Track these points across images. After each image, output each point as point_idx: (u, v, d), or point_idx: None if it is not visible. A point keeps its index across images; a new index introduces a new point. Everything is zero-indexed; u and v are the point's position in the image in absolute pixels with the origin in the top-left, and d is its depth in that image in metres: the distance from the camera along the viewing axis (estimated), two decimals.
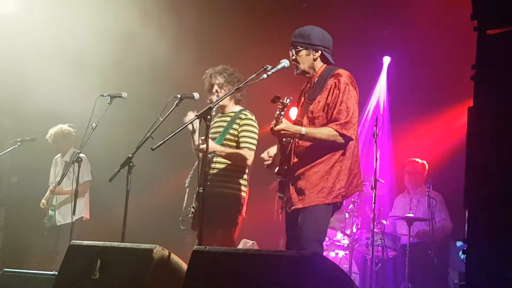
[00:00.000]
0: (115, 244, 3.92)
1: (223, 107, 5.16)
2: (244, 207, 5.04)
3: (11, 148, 7.16)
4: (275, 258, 3.12)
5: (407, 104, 7.70)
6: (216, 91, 5.02)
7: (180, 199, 6.09)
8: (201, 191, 4.76)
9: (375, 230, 6.39)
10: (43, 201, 7.26)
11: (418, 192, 7.07)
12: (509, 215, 2.07)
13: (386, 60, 8.14)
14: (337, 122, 3.96)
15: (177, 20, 7.79)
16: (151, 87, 7.91)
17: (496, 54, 2.14)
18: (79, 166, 5.82)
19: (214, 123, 5.13)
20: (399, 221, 7.01)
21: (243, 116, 5.02)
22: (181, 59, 7.86)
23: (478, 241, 2.13)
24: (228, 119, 5.07)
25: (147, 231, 7.39)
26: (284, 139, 4.11)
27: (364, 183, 5.78)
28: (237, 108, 5.14)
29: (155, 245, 3.58)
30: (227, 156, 4.93)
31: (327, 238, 6.33)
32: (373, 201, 6.26)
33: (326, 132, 3.96)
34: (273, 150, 4.35)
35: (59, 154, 7.44)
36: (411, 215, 6.75)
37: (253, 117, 5.07)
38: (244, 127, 4.98)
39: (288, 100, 3.87)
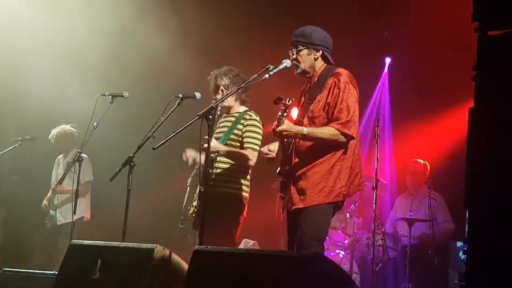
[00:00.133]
0: (116, 243, 3.92)
1: (228, 108, 5.17)
2: (246, 208, 5.04)
3: (12, 147, 7.17)
4: (276, 258, 3.12)
5: (408, 105, 7.69)
6: (222, 91, 5.03)
7: (182, 199, 6.10)
8: (202, 190, 4.79)
9: (375, 230, 6.41)
10: (45, 202, 7.27)
11: (419, 193, 7.06)
12: (509, 215, 2.07)
13: (387, 61, 8.14)
14: (339, 121, 3.97)
15: (178, 18, 7.77)
16: (153, 87, 7.90)
17: (497, 55, 2.14)
18: (79, 166, 5.82)
19: (220, 123, 5.14)
20: (400, 221, 7.00)
21: (247, 117, 5.04)
22: (183, 58, 7.86)
23: (478, 241, 2.13)
24: (233, 119, 5.09)
25: (148, 231, 7.39)
26: (285, 140, 4.12)
27: (365, 183, 5.80)
28: (242, 108, 5.15)
29: (156, 244, 3.58)
30: (230, 156, 4.94)
31: (328, 238, 6.34)
32: (374, 202, 6.27)
33: (328, 131, 3.97)
34: (274, 145, 4.35)
35: (62, 155, 7.44)
36: (412, 215, 6.74)
37: (258, 118, 5.08)
38: (248, 128, 4.99)
39: (290, 102, 3.89)
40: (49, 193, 7.26)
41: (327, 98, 4.07)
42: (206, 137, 4.70)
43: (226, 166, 5.00)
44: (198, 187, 5.69)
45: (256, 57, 6.79)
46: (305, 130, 3.96)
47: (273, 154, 4.27)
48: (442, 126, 7.46)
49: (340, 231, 6.93)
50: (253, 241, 6.88)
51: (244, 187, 5.03)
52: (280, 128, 3.90)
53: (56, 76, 7.82)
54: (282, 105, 3.88)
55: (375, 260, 6.28)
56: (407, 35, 7.38)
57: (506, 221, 2.07)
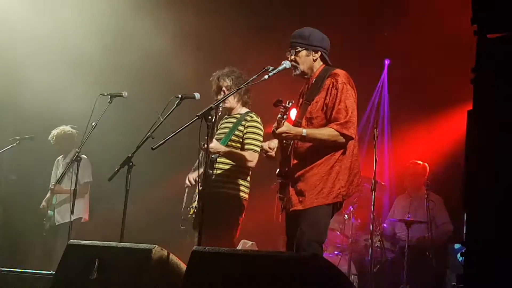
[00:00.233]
0: (114, 244, 3.91)
1: (230, 109, 5.18)
2: (245, 209, 5.05)
3: (10, 147, 7.16)
4: (274, 259, 3.12)
5: (407, 106, 7.69)
6: (224, 92, 5.04)
7: (180, 199, 6.09)
8: (202, 190, 4.80)
9: (374, 232, 6.41)
10: (44, 203, 7.26)
11: (419, 195, 7.05)
12: (508, 217, 2.08)
13: (386, 62, 8.14)
14: (337, 122, 3.97)
15: (176, 18, 7.77)
16: (152, 87, 7.90)
17: (495, 58, 2.15)
18: (78, 166, 5.81)
19: (221, 124, 5.16)
20: (398, 223, 7.00)
21: (248, 118, 5.05)
22: (181, 58, 7.86)
23: (477, 243, 2.14)
24: (234, 120, 5.10)
25: (146, 231, 7.38)
26: (284, 141, 4.12)
27: (363, 184, 5.80)
28: (244, 110, 5.17)
29: (154, 245, 3.57)
30: (231, 157, 4.94)
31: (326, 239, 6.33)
32: (372, 203, 6.27)
33: (327, 132, 3.98)
34: (274, 143, 4.36)
35: (61, 156, 7.44)
36: (410, 217, 6.74)
37: (259, 119, 5.09)
38: (249, 129, 5.01)
39: (290, 104, 3.90)
40: (48, 194, 7.26)
41: (325, 99, 4.08)
42: (207, 137, 4.72)
43: (227, 167, 5.00)
44: (197, 187, 5.69)
45: (255, 57, 6.78)
46: (304, 131, 3.97)
47: (273, 153, 4.27)
48: (441, 128, 7.47)
49: (338, 232, 6.94)
50: (251, 242, 6.87)
51: (244, 188, 5.04)
52: (279, 130, 3.91)
53: (54, 76, 7.81)
54: (282, 107, 3.89)
55: (373, 261, 6.29)
56: (406, 36, 7.38)
57: (505, 223, 2.07)
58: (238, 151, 4.98)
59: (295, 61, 4.23)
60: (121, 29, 7.79)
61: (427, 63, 7.30)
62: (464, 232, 2.16)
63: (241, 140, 5.01)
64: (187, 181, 5.20)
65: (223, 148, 4.89)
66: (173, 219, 5.84)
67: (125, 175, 4.65)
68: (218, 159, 5.00)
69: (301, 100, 4.31)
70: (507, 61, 2.12)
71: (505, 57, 2.12)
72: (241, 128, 5.02)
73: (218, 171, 5.00)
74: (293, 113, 4.41)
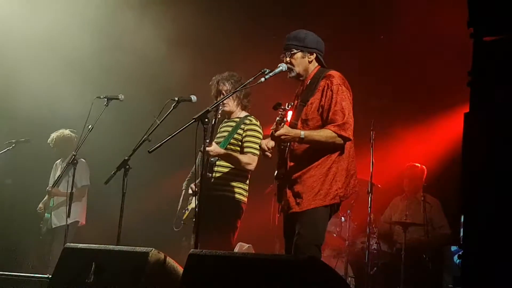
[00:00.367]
0: (110, 247, 3.91)
1: (229, 113, 5.20)
2: (244, 212, 5.06)
3: (5, 150, 7.14)
4: (271, 262, 3.12)
5: (403, 109, 7.70)
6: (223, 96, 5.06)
7: (177, 202, 6.08)
8: (203, 193, 4.81)
9: (370, 234, 6.42)
10: (41, 205, 7.25)
11: (416, 197, 7.05)
12: (505, 220, 2.08)
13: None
14: (335, 124, 3.98)
15: (173, 21, 7.77)
16: (149, 90, 7.89)
17: (492, 61, 2.15)
18: (74, 169, 5.80)
19: (220, 128, 5.17)
20: (395, 225, 7.00)
21: (247, 122, 5.07)
22: (178, 60, 7.85)
23: (474, 246, 2.14)
24: (233, 124, 5.12)
25: (143, 234, 7.37)
26: (282, 144, 4.13)
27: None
28: (243, 113, 5.20)
29: (151, 248, 3.57)
30: (230, 160, 4.96)
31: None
32: (369, 205, 6.28)
33: (325, 134, 3.99)
34: (272, 143, 4.36)
35: (60, 159, 7.43)
36: (407, 219, 6.74)
37: (258, 123, 5.12)
38: (249, 132, 5.03)
39: (289, 106, 3.92)
40: (46, 197, 7.25)
41: (320, 100, 4.09)
42: (207, 140, 4.74)
43: (226, 170, 5.02)
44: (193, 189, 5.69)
45: (252, 60, 6.78)
46: (302, 133, 3.97)
47: (269, 154, 4.28)
48: (438, 130, 7.47)
49: (335, 235, 6.93)
50: (248, 245, 6.87)
51: (243, 191, 5.05)
52: (278, 132, 3.92)
53: (50, 79, 7.80)
54: (281, 110, 3.90)
55: (370, 264, 6.29)
56: (402, 39, 7.39)
57: (502, 226, 2.07)
58: (237, 154, 4.99)
59: (291, 63, 4.24)
60: (117, 31, 7.79)
61: (424, 66, 7.31)
62: (461, 234, 2.16)
63: (240, 143, 5.03)
64: (190, 190, 5.23)
65: (222, 151, 4.91)
66: (170, 222, 5.83)
67: (121, 178, 4.63)
68: (217, 162, 5.01)
69: (296, 101, 4.32)
70: (503, 64, 2.12)
71: (502, 60, 2.13)
72: (240, 131, 5.04)
73: (217, 174, 5.01)
74: (289, 115, 4.42)
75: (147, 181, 7.92)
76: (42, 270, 5.75)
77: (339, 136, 3.98)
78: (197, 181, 4.96)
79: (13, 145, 7.12)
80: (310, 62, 4.25)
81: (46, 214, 7.17)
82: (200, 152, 5.05)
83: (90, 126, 5.53)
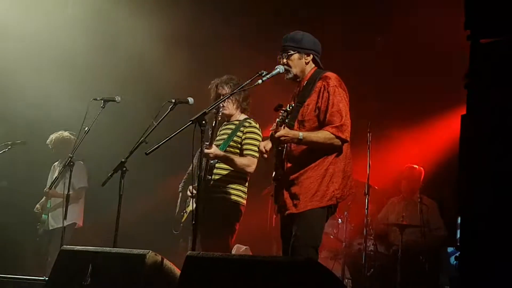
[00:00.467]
0: (107, 249, 3.90)
1: (229, 116, 5.22)
2: (242, 214, 5.07)
3: (1, 152, 7.12)
4: (269, 264, 3.12)
5: (400, 111, 7.70)
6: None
7: (174, 204, 6.06)
8: (201, 196, 4.82)
9: (367, 236, 6.42)
10: (38, 206, 7.25)
11: (414, 199, 7.04)
12: (501, 221, 2.08)
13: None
14: (333, 125, 3.99)
15: (169, 22, 7.77)
16: (145, 91, 7.89)
17: (489, 63, 2.15)
18: (70, 170, 5.80)
19: (220, 130, 5.19)
20: (392, 227, 7.01)
21: (247, 124, 5.09)
22: (175, 62, 7.85)
23: (471, 247, 2.14)
24: (233, 127, 5.14)
25: (140, 237, 7.35)
26: (280, 146, 4.12)
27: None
28: (242, 116, 5.21)
29: (148, 250, 3.56)
30: (230, 162, 4.97)
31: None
32: (366, 207, 6.28)
33: (323, 135, 3.99)
34: (270, 144, 4.37)
35: (58, 161, 7.42)
36: (404, 221, 6.75)
37: (257, 125, 5.13)
38: (248, 135, 5.04)
39: (290, 108, 3.92)
40: (43, 199, 7.24)
41: (317, 102, 4.09)
42: (207, 143, 4.76)
43: (225, 172, 5.03)
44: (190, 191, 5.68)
45: (248, 62, 6.79)
46: (300, 134, 3.98)
47: (266, 156, 4.28)
48: (435, 132, 7.48)
49: (332, 236, 6.94)
50: (245, 247, 6.87)
51: (242, 194, 5.07)
52: (278, 133, 3.92)
53: (46, 80, 7.78)
54: (282, 111, 3.90)
55: (366, 265, 6.30)
56: (399, 41, 7.40)
57: (499, 227, 2.08)
58: (237, 156, 5.00)
59: (287, 64, 4.24)
60: (113, 33, 7.78)
61: (421, 67, 7.32)
62: (458, 236, 2.16)
63: (239, 145, 5.04)
64: (188, 192, 5.24)
65: (222, 154, 4.91)
66: (167, 224, 5.82)
67: (118, 180, 4.63)
68: (217, 165, 5.03)
69: (293, 103, 4.32)
70: (500, 66, 2.13)
71: (498, 62, 2.13)
72: (239, 134, 5.06)
73: (217, 177, 5.03)
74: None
75: (144, 183, 7.91)
76: (38, 272, 5.74)
77: (337, 137, 3.99)
78: (196, 183, 4.97)
79: (9, 147, 7.10)
80: (307, 63, 4.26)
81: (43, 215, 7.17)
82: (197, 154, 5.06)
83: (86, 128, 5.52)
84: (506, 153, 2.09)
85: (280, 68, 4.22)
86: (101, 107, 5.46)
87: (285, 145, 4.14)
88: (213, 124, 4.85)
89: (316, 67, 4.29)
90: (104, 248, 3.93)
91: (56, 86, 7.80)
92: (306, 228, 4.00)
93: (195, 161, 4.73)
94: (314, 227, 4.04)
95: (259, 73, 4.18)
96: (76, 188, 7.10)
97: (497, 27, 2.15)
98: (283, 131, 3.93)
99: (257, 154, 4.95)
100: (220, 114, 4.93)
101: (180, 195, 6.19)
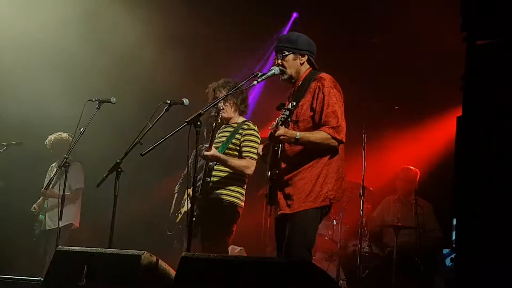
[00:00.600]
0: (102, 250, 3.90)
1: (227, 119, 5.24)
2: (240, 216, 5.08)
3: None
4: (264, 265, 3.12)
5: (395, 113, 7.71)
6: (221, 103, 5.08)
7: (169, 206, 6.06)
8: (199, 197, 4.84)
9: (362, 237, 6.43)
10: (35, 206, 7.24)
11: (409, 200, 7.06)
12: (497, 223, 2.09)
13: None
14: (329, 126, 3.99)
15: (165, 23, 7.77)
16: (140, 92, 7.87)
17: (485, 65, 2.16)
18: (66, 171, 5.79)
19: (219, 133, 5.21)
20: (387, 228, 7.02)
21: (245, 127, 5.11)
22: (170, 62, 7.84)
23: (466, 249, 2.14)
24: (232, 129, 5.16)
25: (135, 237, 7.35)
26: (275, 146, 4.12)
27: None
28: (241, 119, 5.24)
29: (143, 251, 3.56)
30: (229, 164, 4.98)
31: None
32: (361, 208, 6.29)
33: (320, 135, 4.00)
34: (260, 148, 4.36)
35: (56, 162, 7.40)
36: (399, 222, 6.76)
37: (256, 128, 5.16)
38: (247, 137, 5.06)
39: (292, 106, 3.92)
40: (40, 199, 7.23)
41: (312, 102, 4.10)
42: (207, 145, 4.77)
43: (224, 174, 5.05)
44: (186, 193, 5.69)
45: (245, 62, 6.80)
46: (298, 134, 3.98)
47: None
48: (431, 134, 7.50)
49: (327, 238, 6.94)
50: (239, 248, 6.87)
51: (240, 196, 5.09)
52: (279, 132, 3.91)
53: (40, 81, 7.76)
54: (283, 110, 3.90)
55: (361, 267, 6.30)
56: (395, 42, 7.42)
57: (495, 229, 2.08)
58: (236, 159, 5.02)
59: (282, 65, 4.24)
60: (109, 34, 7.76)
61: (416, 69, 7.34)
62: (453, 237, 2.17)
63: (238, 148, 5.07)
64: (186, 195, 5.26)
65: (221, 156, 4.92)
66: (162, 225, 5.81)
67: (113, 181, 4.62)
68: (216, 167, 5.05)
69: (293, 101, 4.32)
70: (496, 68, 2.13)
71: (494, 64, 2.14)
72: (238, 136, 5.08)
73: (215, 178, 5.04)
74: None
75: (139, 184, 7.90)
76: (34, 272, 5.73)
77: (334, 138, 4.00)
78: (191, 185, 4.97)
79: (5, 147, 7.09)
80: (301, 64, 4.26)
81: (40, 215, 7.17)
82: (192, 155, 5.06)
83: (82, 129, 5.51)
84: (501, 155, 2.09)
85: (275, 70, 4.22)
86: (96, 108, 5.46)
87: (280, 145, 4.14)
88: (213, 127, 4.88)
89: (311, 68, 4.30)
90: (100, 248, 3.92)
91: (50, 86, 7.78)
92: (300, 229, 4.00)
93: (190, 162, 4.73)
94: (308, 228, 4.04)
95: (254, 74, 4.19)
96: (73, 189, 7.12)
97: (493, 28, 2.16)
98: (282, 130, 3.92)
99: (255, 156, 4.98)
100: (220, 116, 4.96)
101: (176, 196, 6.20)
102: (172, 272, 3.56)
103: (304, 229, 4.03)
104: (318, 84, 4.11)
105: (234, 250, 6.82)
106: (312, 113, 4.09)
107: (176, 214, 6.01)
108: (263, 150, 4.49)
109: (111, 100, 5.48)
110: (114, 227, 4.53)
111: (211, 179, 5.00)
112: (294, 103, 3.96)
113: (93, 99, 5.48)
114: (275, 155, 4.14)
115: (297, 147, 4.09)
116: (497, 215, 2.08)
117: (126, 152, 4.67)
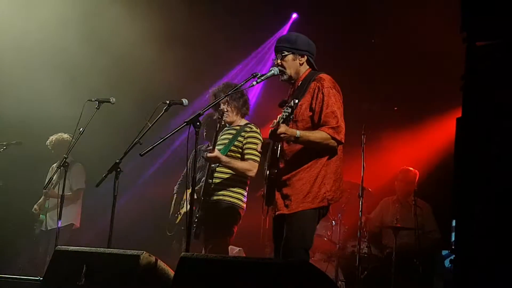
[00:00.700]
0: (101, 249, 3.89)
1: (230, 122, 5.25)
2: (241, 217, 5.09)
3: None
4: (263, 266, 3.12)
5: (395, 114, 7.72)
6: (222, 108, 5.12)
7: (168, 206, 6.06)
8: (202, 198, 4.85)
9: (361, 238, 6.42)
10: (36, 206, 7.24)
11: (408, 201, 7.05)
12: (496, 224, 2.09)
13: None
14: (329, 126, 3.98)
15: (163, 23, 7.77)
16: (139, 92, 7.87)
17: (484, 66, 2.16)
18: (65, 171, 5.79)
19: (221, 135, 5.22)
20: (386, 229, 7.02)
21: (248, 129, 5.12)
22: (170, 62, 7.84)
23: (466, 250, 2.14)
24: (234, 132, 5.17)
25: (134, 237, 7.35)
26: (274, 145, 4.12)
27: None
28: (243, 121, 5.25)
29: (142, 251, 3.55)
30: (231, 166, 4.98)
31: (313, 245, 6.32)
32: (360, 209, 6.28)
33: (320, 135, 3.99)
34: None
35: (57, 163, 7.40)
36: (398, 224, 6.75)
37: (258, 130, 5.17)
38: (249, 139, 5.07)
39: (294, 103, 3.90)
40: (41, 199, 7.23)
41: (311, 102, 4.09)
42: (210, 147, 4.77)
43: (226, 176, 5.07)
44: (185, 193, 5.69)
45: (243, 63, 6.79)
46: (298, 133, 3.96)
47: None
48: (430, 135, 7.49)
49: (326, 239, 6.94)
50: (238, 248, 6.86)
51: (241, 197, 5.10)
52: (280, 130, 3.89)
53: (41, 82, 7.77)
54: (285, 107, 3.88)
55: (360, 268, 6.30)
56: (394, 42, 7.41)
57: (494, 230, 2.08)
58: (238, 161, 5.03)
59: (282, 65, 4.23)
60: (109, 34, 7.77)
61: (416, 70, 7.34)
62: (452, 239, 2.17)
63: (240, 150, 5.08)
64: (185, 196, 5.27)
65: (224, 158, 4.93)
66: (161, 225, 5.81)
67: (112, 181, 4.61)
68: (218, 168, 5.06)
69: (296, 99, 4.32)
70: (495, 69, 2.13)
71: (494, 65, 2.14)
72: (240, 139, 5.09)
73: (217, 180, 5.05)
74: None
75: (138, 184, 7.90)
76: (34, 272, 5.72)
77: (333, 138, 3.99)
78: (197, 187, 4.98)
79: (4, 147, 7.09)
80: (301, 64, 4.25)
81: (41, 215, 7.18)
82: (191, 156, 5.06)
83: (81, 129, 5.51)
84: (501, 156, 2.09)
85: (274, 70, 4.22)
86: (96, 108, 5.45)
87: (279, 144, 4.13)
88: (216, 129, 4.89)
89: (310, 69, 4.29)
90: (98, 248, 3.92)
91: (50, 86, 7.78)
92: (297, 229, 3.99)
93: (189, 162, 4.73)
94: (305, 228, 4.03)
95: (253, 74, 4.19)
96: (74, 189, 7.15)
97: (493, 29, 2.16)
98: (283, 128, 3.90)
99: (258, 159, 5.00)
100: (223, 119, 4.98)
101: (175, 196, 6.20)
102: (171, 272, 3.55)
103: (302, 230, 4.02)
104: (318, 84, 4.10)
105: (232, 250, 6.81)
106: (311, 113, 4.08)
107: (176, 215, 6.01)
108: (261, 148, 4.49)
109: (111, 100, 5.48)
110: (113, 227, 4.53)
111: (213, 180, 5.01)
112: (296, 101, 3.94)
113: (93, 99, 5.47)
114: (274, 155, 4.13)
115: (296, 147, 4.09)
116: (497, 215, 2.08)
117: (125, 152, 4.67)
